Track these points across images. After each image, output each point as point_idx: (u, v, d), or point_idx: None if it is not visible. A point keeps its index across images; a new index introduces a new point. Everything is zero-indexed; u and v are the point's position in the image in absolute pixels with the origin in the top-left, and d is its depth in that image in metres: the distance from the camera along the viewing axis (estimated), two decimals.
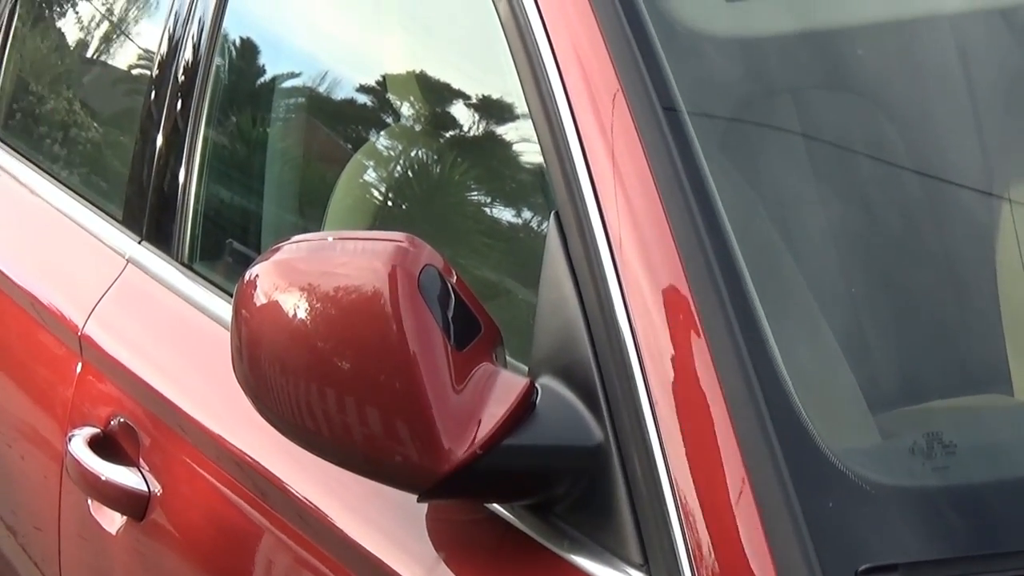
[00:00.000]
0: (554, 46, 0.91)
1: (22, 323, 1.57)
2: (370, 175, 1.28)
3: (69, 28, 1.87)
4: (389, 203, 1.26)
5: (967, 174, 1.03)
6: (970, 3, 1.16)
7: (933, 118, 1.06)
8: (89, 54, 1.84)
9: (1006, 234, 1.02)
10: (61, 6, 1.87)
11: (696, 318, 0.78)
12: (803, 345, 0.86)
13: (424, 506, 0.87)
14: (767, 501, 0.73)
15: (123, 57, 1.73)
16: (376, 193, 1.27)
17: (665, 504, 0.74)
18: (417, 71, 1.27)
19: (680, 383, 0.78)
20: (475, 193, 1.23)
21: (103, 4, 1.78)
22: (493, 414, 0.77)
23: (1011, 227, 1.03)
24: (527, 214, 1.11)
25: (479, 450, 0.76)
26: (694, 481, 0.75)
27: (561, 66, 0.90)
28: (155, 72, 1.49)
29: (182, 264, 1.32)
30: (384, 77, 1.31)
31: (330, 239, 0.89)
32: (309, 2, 1.46)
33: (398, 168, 1.28)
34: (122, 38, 1.73)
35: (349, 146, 1.33)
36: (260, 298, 0.82)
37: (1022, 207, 1.07)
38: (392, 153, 1.30)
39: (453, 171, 1.19)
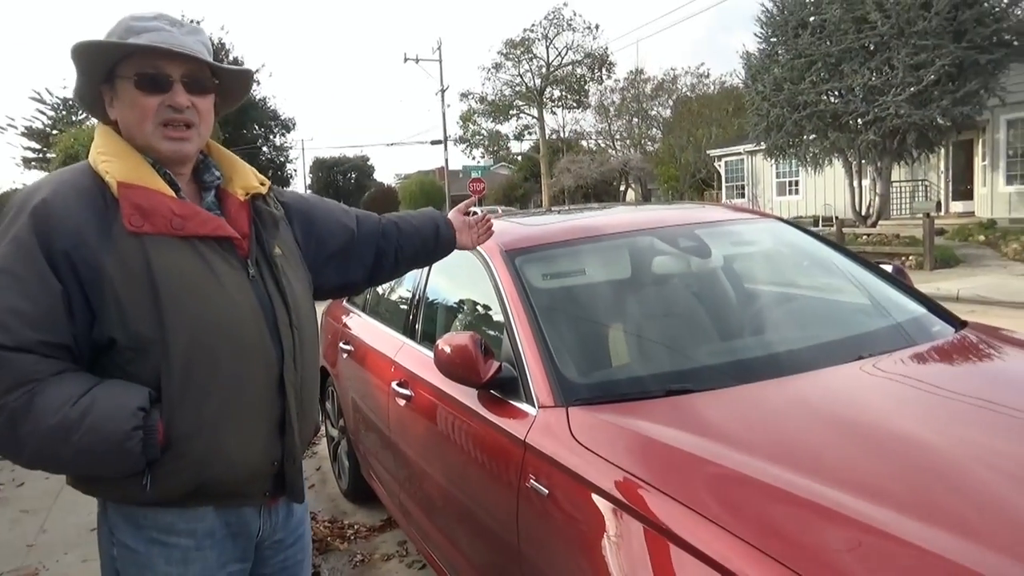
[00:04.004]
0: (506, 293, 2.42)
1: (375, 357, 3.27)
2: (465, 318, 2.77)
3: (394, 291, 3.41)
4: (472, 324, 2.67)
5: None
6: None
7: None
8: (394, 296, 3.52)
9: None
10: (395, 288, 3.48)
11: (534, 342, 2.21)
12: (564, 346, 2.23)
13: (477, 392, 2.32)
14: (553, 385, 2.09)
15: (399, 294, 3.39)
16: (467, 321, 2.75)
17: (530, 388, 2.14)
18: (465, 293, 2.78)
19: (532, 357, 2.19)
20: (484, 316, 2.59)
21: (398, 289, 3.26)
22: (491, 369, 2.22)
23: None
24: (496, 321, 2.47)
25: (489, 379, 2.22)
26: (536, 381, 2.14)
27: (507, 298, 2.40)
28: (410, 299, 3.21)
29: (418, 342, 3.05)
30: (462, 297, 2.77)
31: (454, 334, 2.26)
32: (444, 283, 2.91)
33: (476, 316, 2.68)
34: (397, 295, 3.31)
35: (459, 316, 2.78)
36: (438, 348, 2.28)
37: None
38: (472, 313, 2.70)
39: (489, 314, 2.60)
